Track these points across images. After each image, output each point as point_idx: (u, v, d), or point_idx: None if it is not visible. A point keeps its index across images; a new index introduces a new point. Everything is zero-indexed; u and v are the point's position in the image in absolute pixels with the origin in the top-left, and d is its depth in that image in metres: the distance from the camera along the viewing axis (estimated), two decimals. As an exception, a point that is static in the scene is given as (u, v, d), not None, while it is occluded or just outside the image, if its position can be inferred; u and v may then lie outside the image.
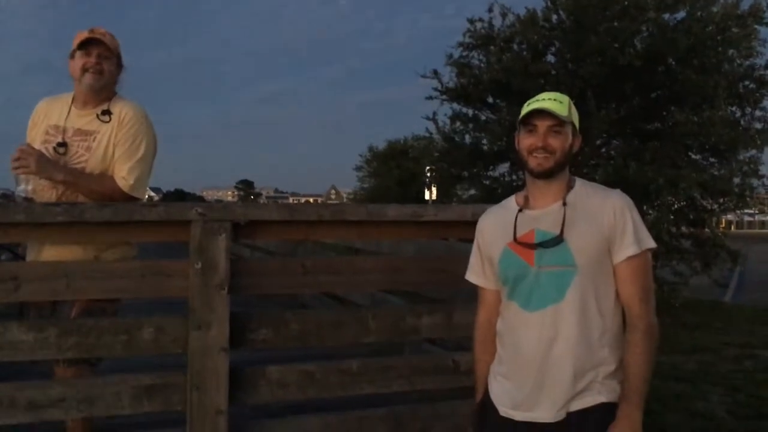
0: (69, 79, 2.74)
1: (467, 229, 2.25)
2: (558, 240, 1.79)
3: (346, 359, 2.49)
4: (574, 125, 1.87)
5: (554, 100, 1.84)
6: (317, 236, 2.67)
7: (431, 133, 11.96)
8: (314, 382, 2.40)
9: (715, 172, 9.81)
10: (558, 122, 1.82)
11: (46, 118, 2.74)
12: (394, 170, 32.46)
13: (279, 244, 6.91)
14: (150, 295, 2.30)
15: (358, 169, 37.75)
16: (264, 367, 2.37)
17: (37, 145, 2.66)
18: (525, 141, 1.85)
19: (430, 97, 11.41)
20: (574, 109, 1.89)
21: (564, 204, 1.84)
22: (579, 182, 1.91)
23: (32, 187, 2.56)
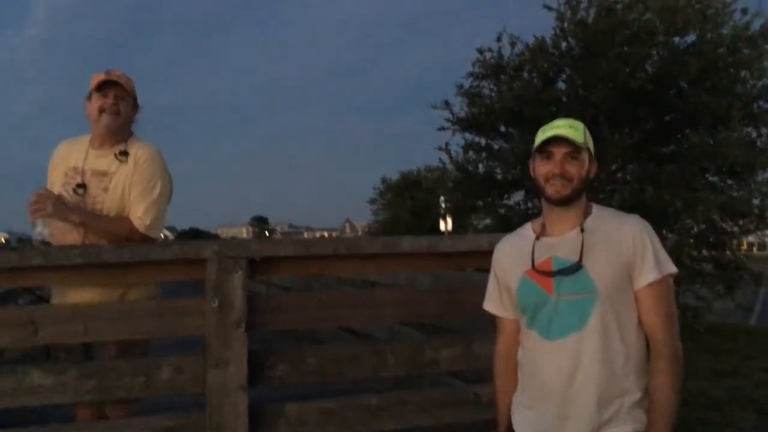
0: (84, 121, 2.79)
1: (484, 258, 2.23)
2: (577, 267, 1.77)
3: (365, 394, 2.46)
4: (590, 151, 1.86)
5: (569, 126, 1.83)
6: (333, 271, 2.66)
7: (444, 164, 11.98)
8: (334, 418, 2.37)
9: (734, 194, 9.70)
10: (574, 149, 1.81)
11: (66, 160, 2.79)
12: (407, 201, 32.46)
13: (294, 280, 6.90)
14: (168, 335, 2.29)
15: (372, 201, 37.79)
16: (283, 405, 2.35)
17: (57, 187, 2.71)
18: (541, 168, 1.84)
19: (442, 128, 11.45)
20: (588, 135, 1.88)
21: (582, 230, 1.82)
22: (596, 208, 1.89)
23: (49, 231, 2.58)
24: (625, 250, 1.77)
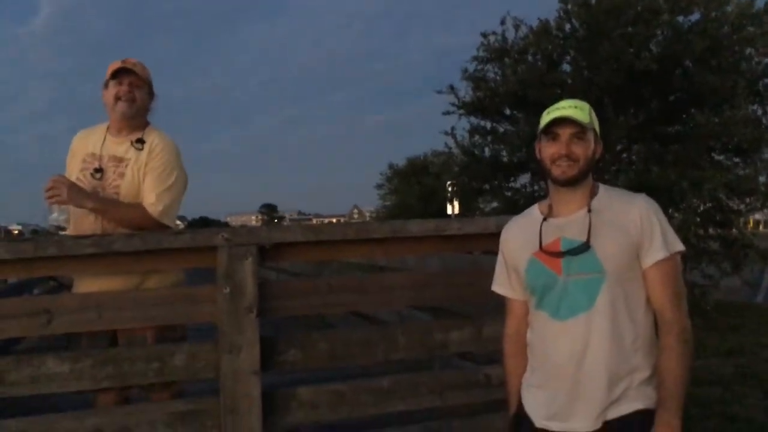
0: (95, 114, 2.83)
1: (491, 241, 2.25)
2: (585, 247, 1.78)
3: (376, 377, 2.49)
4: (595, 131, 1.87)
5: (575, 107, 1.84)
6: (342, 255, 2.68)
7: (450, 148, 11.96)
8: (346, 401, 2.40)
9: (740, 172, 9.66)
10: (580, 129, 1.82)
11: (84, 147, 2.84)
12: (414, 187, 32.47)
13: (304, 266, 6.93)
14: (181, 322, 2.32)
15: (379, 187, 37.79)
16: (295, 389, 2.38)
17: (74, 175, 2.76)
18: (548, 150, 1.85)
19: (448, 112, 11.43)
20: (594, 116, 1.89)
21: (589, 211, 1.83)
22: (603, 188, 1.90)
23: (66, 216, 2.64)
24: (633, 230, 1.79)
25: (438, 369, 3.43)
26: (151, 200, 2.69)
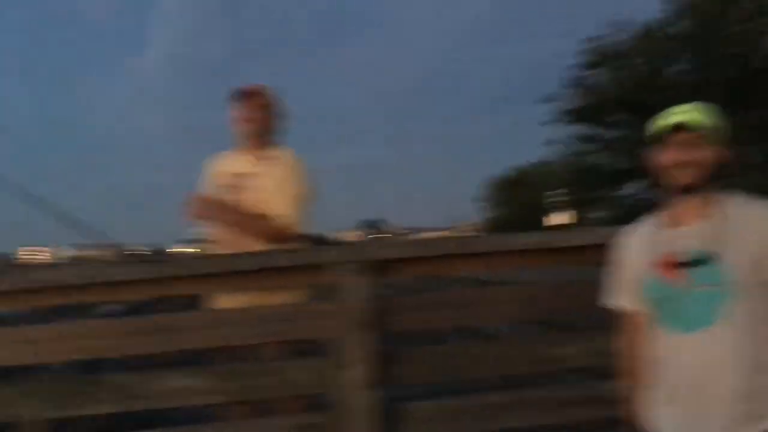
0: (217, 136, 3.08)
1: (601, 252, 2.19)
2: (709, 258, 1.70)
3: (491, 392, 2.47)
4: (717, 135, 1.78)
5: (691, 111, 1.76)
6: (450, 270, 2.69)
7: (554, 158, 11.75)
8: (462, 417, 2.40)
9: None
10: (699, 134, 1.74)
11: (216, 166, 3.08)
12: (517, 198, 32.02)
13: (411, 281, 6.95)
14: (301, 337, 2.41)
15: (481, 200, 37.51)
16: (410, 404, 2.40)
17: (209, 192, 2.99)
18: (665, 156, 1.78)
19: (548, 122, 11.25)
20: (716, 119, 1.79)
21: (713, 219, 1.75)
22: (727, 195, 1.80)
23: (204, 230, 2.90)
24: (763, 239, 1.69)
25: (551, 384, 3.36)
26: (278, 212, 2.83)
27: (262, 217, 2.84)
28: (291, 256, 2.37)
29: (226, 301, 2.74)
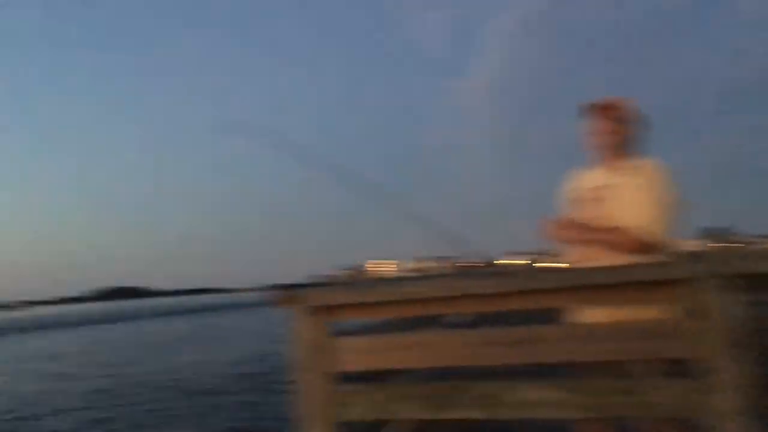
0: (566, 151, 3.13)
1: None
2: None
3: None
4: None
5: None
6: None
7: None
8: None
9: None
10: None
11: (575, 182, 3.14)
12: None
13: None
14: (664, 356, 2.27)
15: None
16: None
17: (571, 211, 3.07)
18: None
19: None
20: None
21: None
22: None
23: (572, 250, 2.98)
24: None
25: None
26: (638, 223, 2.75)
27: (619, 230, 2.78)
28: (650, 271, 2.24)
29: (586, 315, 2.72)
